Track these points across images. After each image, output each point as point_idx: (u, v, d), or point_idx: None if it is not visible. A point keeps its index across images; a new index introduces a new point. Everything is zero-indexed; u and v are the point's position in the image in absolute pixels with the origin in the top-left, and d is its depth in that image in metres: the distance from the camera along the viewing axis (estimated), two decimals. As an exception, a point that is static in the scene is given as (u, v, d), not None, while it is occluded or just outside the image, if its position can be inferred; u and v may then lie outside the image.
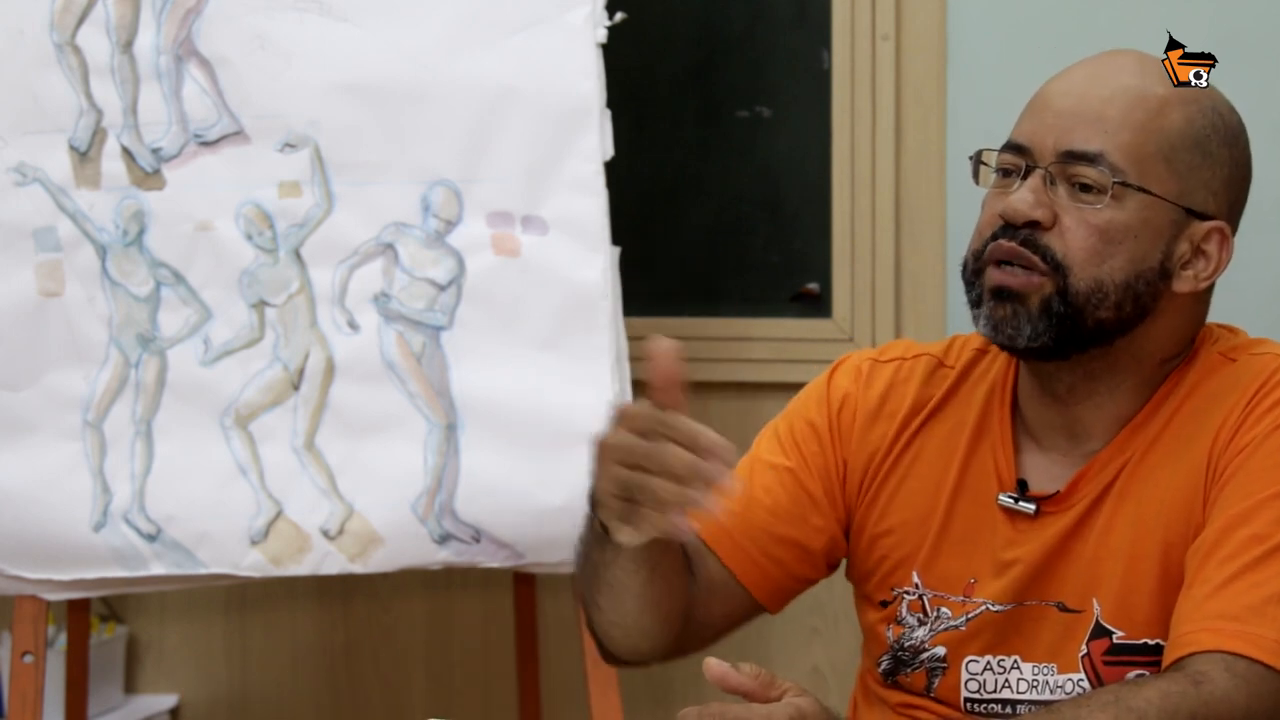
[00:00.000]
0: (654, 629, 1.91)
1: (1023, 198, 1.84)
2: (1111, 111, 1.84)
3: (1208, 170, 1.86)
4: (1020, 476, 1.91)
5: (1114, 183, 1.81)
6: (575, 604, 2.73)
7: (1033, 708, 1.84)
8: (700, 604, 1.97)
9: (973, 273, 1.88)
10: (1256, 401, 1.83)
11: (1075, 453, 1.91)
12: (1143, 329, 1.86)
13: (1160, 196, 1.83)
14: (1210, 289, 1.91)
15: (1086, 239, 1.82)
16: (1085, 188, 1.83)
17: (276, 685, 3.40)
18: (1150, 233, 1.84)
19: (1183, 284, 1.87)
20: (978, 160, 1.92)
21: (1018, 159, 1.86)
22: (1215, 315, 1.98)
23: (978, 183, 1.92)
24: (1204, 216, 1.86)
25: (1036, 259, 1.83)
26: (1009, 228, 1.84)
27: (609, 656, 1.99)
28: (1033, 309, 1.83)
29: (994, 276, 1.85)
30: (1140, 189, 1.83)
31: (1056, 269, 1.83)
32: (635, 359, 2.74)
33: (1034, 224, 1.83)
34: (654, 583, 1.86)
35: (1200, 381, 1.88)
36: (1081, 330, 1.84)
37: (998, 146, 1.90)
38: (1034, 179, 1.84)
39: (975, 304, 1.88)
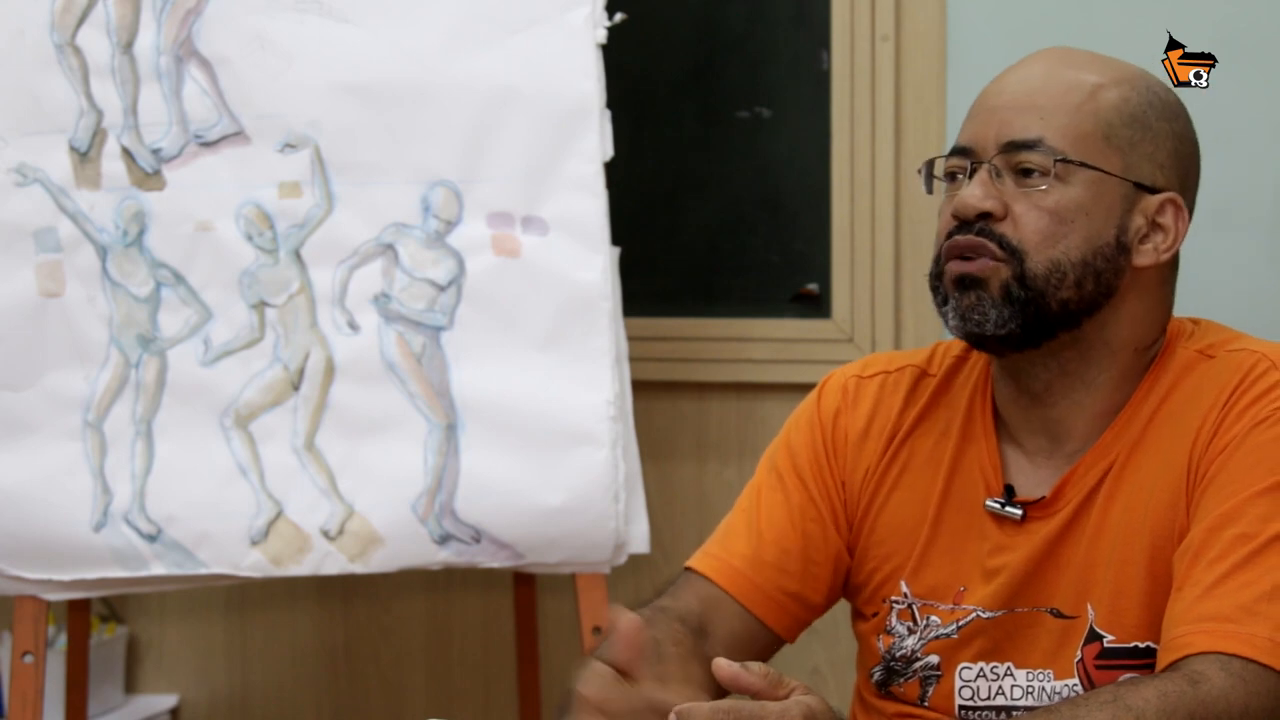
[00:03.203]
0: None
1: (971, 192, 1.87)
2: (1045, 100, 1.87)
3: (1150, 144, 1.88)
4: (1007, 481, 1.92)
5: (1055, 160, 1.84)
6: (575, 604, 2.73)
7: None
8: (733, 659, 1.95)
9: (935, 276, 1.92)
10: (1234, 400, 1.83)
11: (1058, 454, 1.91)
12: (1110, 310, 1.88)
13: (1105, 171, 1.86)
14: (1174, 271, 1.93)
15: (1039, 221, 1.85)
16: (1028, 172, 1.86)
17: (276, 685, 3.40)
18: (1101, 209, 1.86)
19: (1143, 258, 1.88)
20: (929, 170, 1.95)
21: (963, 161, 1.90)
22: (1216, 315, 1.98)
23: (930, 192, 1.96)
24: (1153, 190, 1.88)
25: (993, 246, 1.85)
26: (964, 224, 1.88)
27: None
28: (994, 293, 1.85)
29: (953, 268, 1.88)
30: (1083, 164, 1.85)
31: (1013, 254, 1.85)
32: (635, 359, 2.74)
33: (986, 215, 1.86)
34: None
35: (1179, 380, 1.88)
36: (1046, 314, 1.85)
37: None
38: (980, 174, 1.88)
39: (942, 303, 1.91)
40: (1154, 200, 1.88)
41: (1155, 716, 1.66)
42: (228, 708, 3.42)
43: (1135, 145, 1.88)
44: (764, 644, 1.99)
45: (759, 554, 1.97)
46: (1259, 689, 1.70)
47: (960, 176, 1.90)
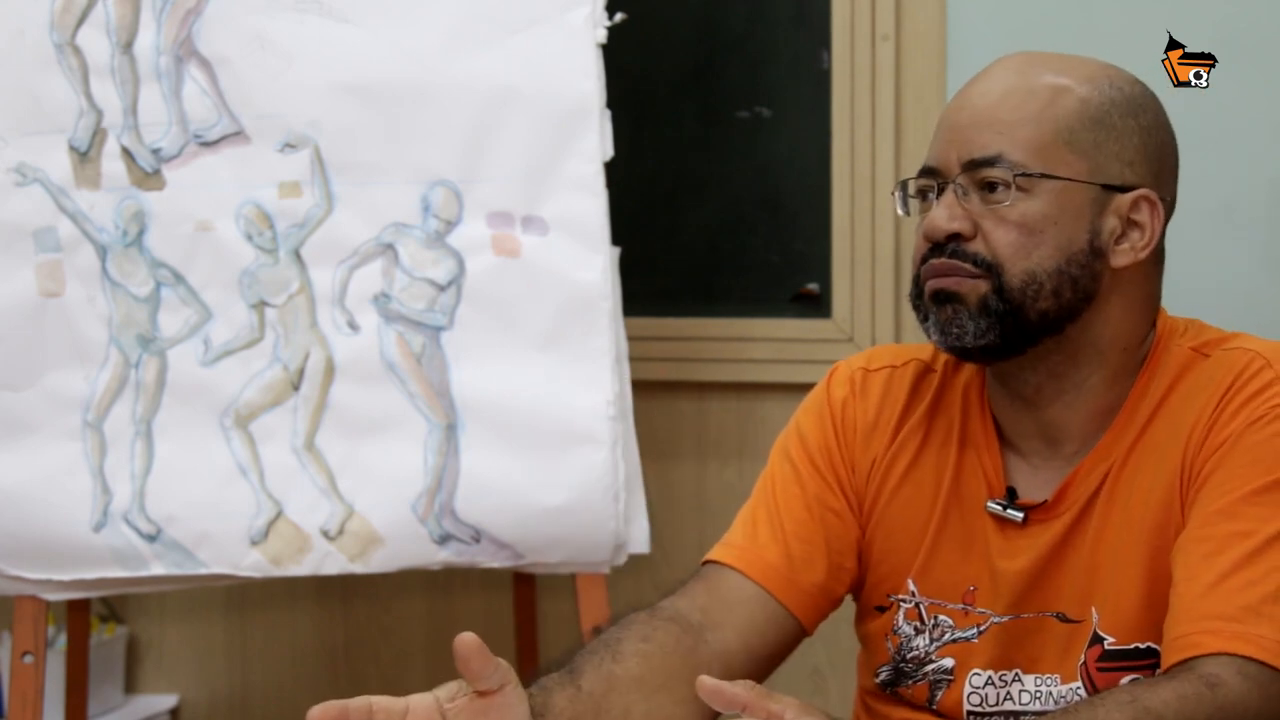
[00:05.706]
0: None
1: (939, 214, 1.87)
2: (1003, 113, 1.87)
3: (1115, 143, 1.87)
4: (1009, 483, 1.91)
5: (1015, 175, 1.84)
6: (575, 604, 2.73)
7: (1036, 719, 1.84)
8: (754, 653, 1.94)
9: (915, 296, 1.91)
10: (1228, 399, 1.83)
11: (1057, 457, 1.91)
12: (1093, 313, 1.87)
13: (1068, 179, 1.85)
14: (1158, 265, 1.92)
15: (1008, 235, 1.85)
16: (993, 187, 1.85)
17: (276, 685, 3.40)
18: (1070, 216, 1.85)
19: (1121, 258, 1.88)
20: (904, 191, 1.95)
21: (930, 181, 1.90)
22: (1217, 315, 1.98)
23: (906, 214, 1.96)
24: (1124, 189, 1.87)
25: (968, 266, 1.85)
26: (936, 247, 1.87)
27: None
28: (971, 306, 1.85)
29: (931, 284, 1.88)
30: (1044, 175, 1.84)
31: (989, 270, 1.85)
32: (635, 359, 2.74)
33: (956, 236, 1.86)
34: None
35: (1175, 380, 1.87)
36: (1025, 324, 1.85)
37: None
38: (947, 195, 1.88)
39: (924, 319, 1.90)
40: (1126, 199, 1.87)
41: (1175, 719, 1.65)
42: (228, 708, 3.42)
43: (1100, 146, 1.86)
44: (788, 636, 1.97)
45: (788, 549, 1.97)
46: (1273, 693, 1.70)
47: (931, 195, 1.90)
